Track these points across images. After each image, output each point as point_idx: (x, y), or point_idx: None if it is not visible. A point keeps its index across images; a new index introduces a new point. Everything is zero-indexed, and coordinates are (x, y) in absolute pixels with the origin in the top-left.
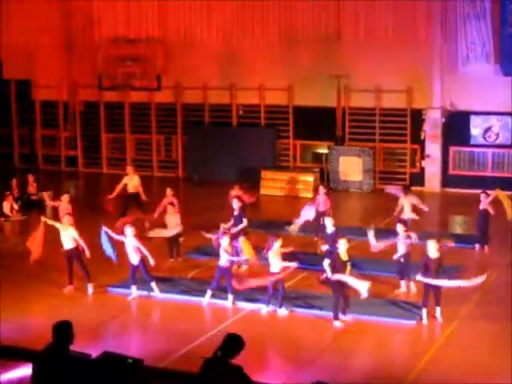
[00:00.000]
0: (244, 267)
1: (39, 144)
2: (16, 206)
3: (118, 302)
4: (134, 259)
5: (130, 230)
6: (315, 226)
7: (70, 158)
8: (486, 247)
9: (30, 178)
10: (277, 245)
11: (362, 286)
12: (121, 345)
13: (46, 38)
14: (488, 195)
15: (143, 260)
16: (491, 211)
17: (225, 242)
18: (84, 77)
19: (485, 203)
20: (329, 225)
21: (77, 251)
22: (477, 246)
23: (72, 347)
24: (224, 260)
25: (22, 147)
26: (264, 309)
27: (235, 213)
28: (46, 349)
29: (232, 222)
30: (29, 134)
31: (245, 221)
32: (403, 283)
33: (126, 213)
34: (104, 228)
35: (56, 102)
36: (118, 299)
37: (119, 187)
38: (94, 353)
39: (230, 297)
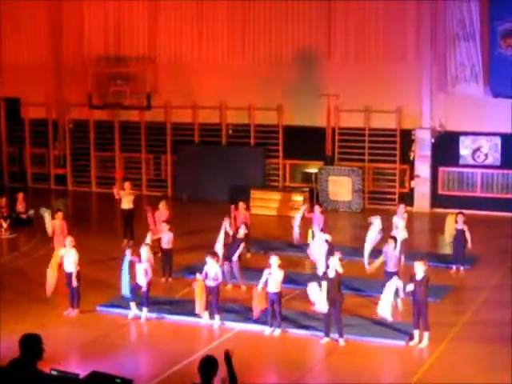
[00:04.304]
0: (229, 286)
1: (28, 162)
2: (5, 225)
3: (107, 322)
4: (142, 280)
5: (145, 251)
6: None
7: (59, 176)
8: (461, 268)
9: (20, 196)
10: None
11: (321, 305)
12: (110, 364)
13: (36, 55)
14: (464, 216)
15: (149, 283)
16: (467, 232)
17: (209, 261)
18: (73, 95)
19: (461, 224)
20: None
21: (77, 275)
22: (453, 266)
23: (60, 367)
24: (209, 279)
25: (11, 165)
26: (267, 330)
27: (238, 236)
28: (10, 363)
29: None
30: (18, 152)
31: (241, 245)
32: None
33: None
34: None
35: (45, 120)
36: (107, 319)
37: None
38: (83, 372)
39: (217, 317)
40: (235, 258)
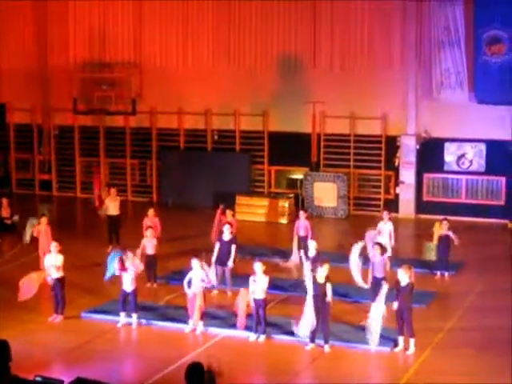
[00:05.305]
0: (214, 292)
1: (13, 167)
2: None
3: (91, 328)
4: (129, 287)
5: (131, 258)
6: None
7: (44, 181)
8: (446, 274)
9: (4, 201)
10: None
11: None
12: (94, 371)
13: (21, 61)
14: (449, 222)
15: (136, 289)
16: (453, 238)
17: (195, 265)
18: (58, 100)
19: (445, 230)
20: (312, 248)
21: (62, 281)
22: (438, 272)
23: (45, 373)
24: (195, 285)
25: None
26: (252, 336)
27: (225, 239)
28: None
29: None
30: (3, 157)
31: (234, 248)
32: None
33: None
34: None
35: (30, 125)
36: (92, 325)
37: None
38: (67, 379)
39: (200, 323)
40: (230, 263)
